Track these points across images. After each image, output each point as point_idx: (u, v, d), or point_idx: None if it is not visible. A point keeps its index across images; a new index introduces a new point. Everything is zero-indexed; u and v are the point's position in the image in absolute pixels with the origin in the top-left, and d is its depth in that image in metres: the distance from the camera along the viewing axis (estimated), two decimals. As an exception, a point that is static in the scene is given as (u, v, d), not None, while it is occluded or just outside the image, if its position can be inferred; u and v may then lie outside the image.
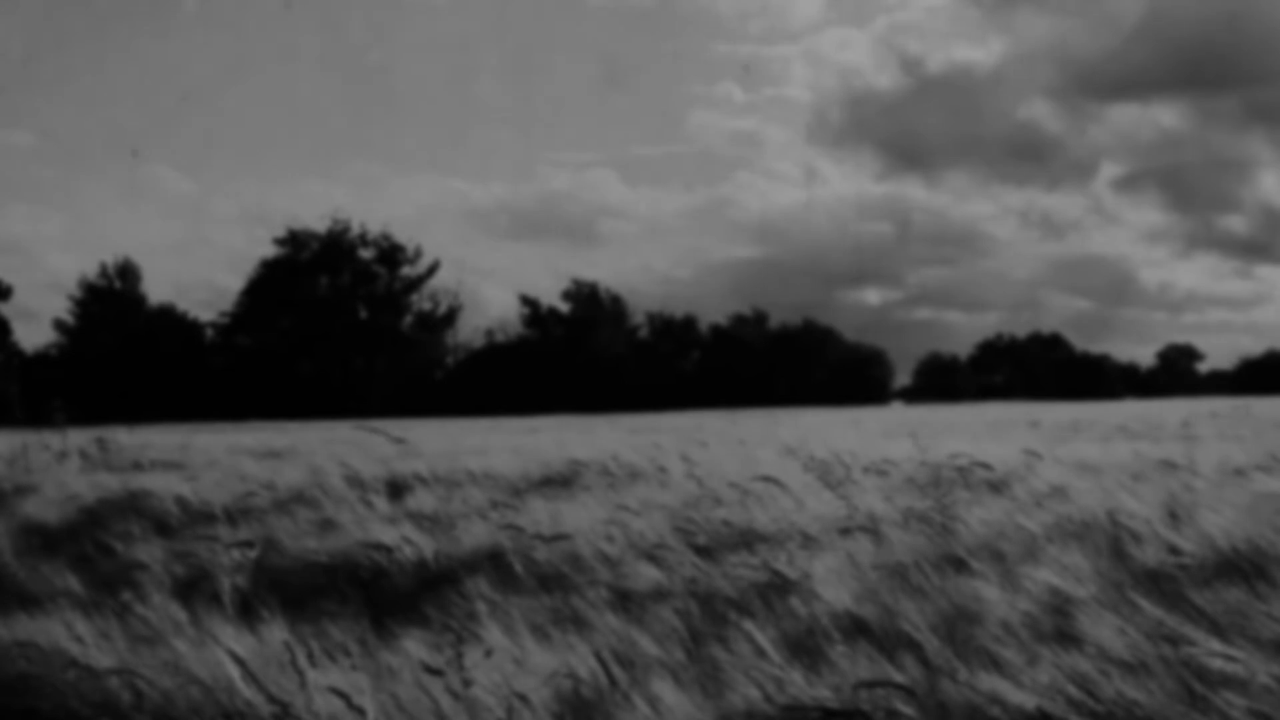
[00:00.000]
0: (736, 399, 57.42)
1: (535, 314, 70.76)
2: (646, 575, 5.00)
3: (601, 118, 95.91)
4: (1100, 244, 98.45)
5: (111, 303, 63.96)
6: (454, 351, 69.82)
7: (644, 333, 72.82)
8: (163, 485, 8.50)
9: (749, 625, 3.90)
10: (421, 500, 7.50)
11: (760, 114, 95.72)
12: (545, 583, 5.12)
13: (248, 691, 3.46)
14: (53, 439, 12.75)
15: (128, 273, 64.90)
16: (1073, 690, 3.07)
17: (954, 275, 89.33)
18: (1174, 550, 4.64)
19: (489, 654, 3.43)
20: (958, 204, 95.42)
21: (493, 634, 3.77)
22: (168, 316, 64.79)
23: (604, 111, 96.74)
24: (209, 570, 5.68)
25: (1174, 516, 5.13)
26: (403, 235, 68.28)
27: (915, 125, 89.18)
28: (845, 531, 5.56)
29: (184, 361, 62.05)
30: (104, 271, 64.60)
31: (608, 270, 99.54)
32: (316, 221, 67.38)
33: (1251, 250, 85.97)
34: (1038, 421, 21.72)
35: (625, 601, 4.61)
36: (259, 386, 60.34)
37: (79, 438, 13.90)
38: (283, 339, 65.34)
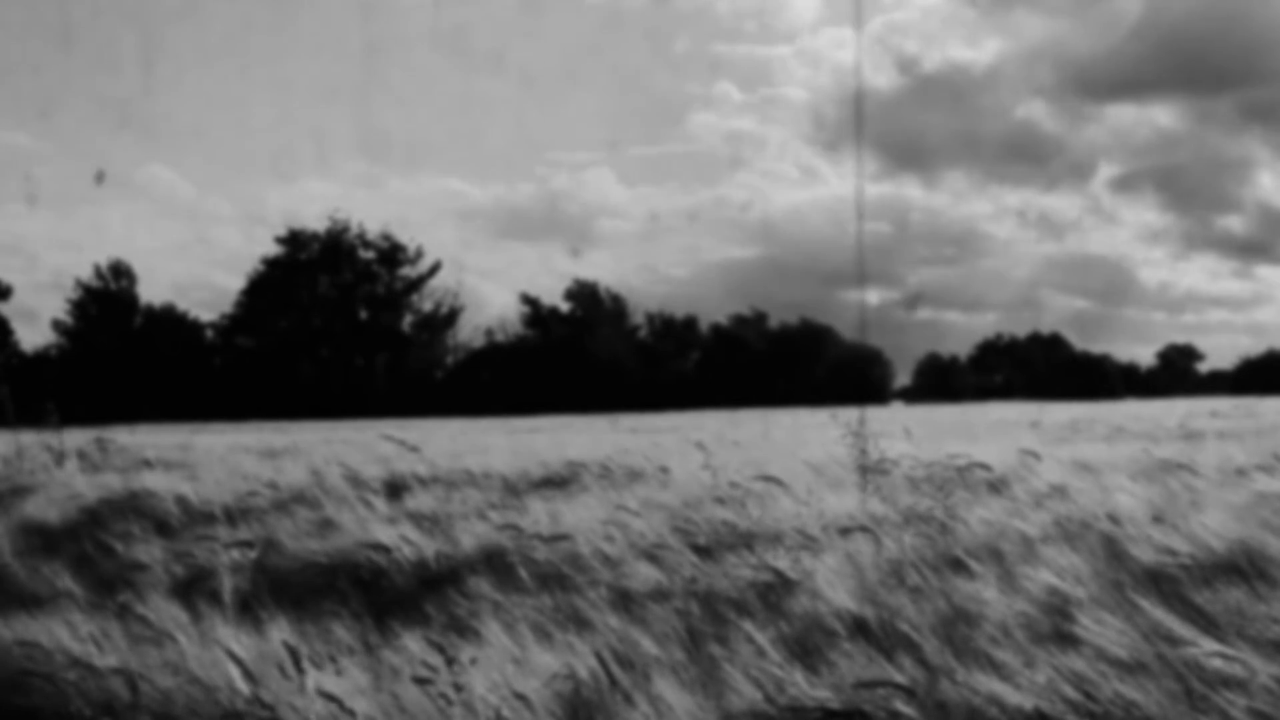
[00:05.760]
0: (736, 399, 57.39)
1: (536, 314, 70.77)
2: (646, 575, 5.00)
3: (599, 118, 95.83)
4: (1099, 244, 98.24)
5: (108, 304, 63.97)
6: (454, 351, 69.83)
7: (644, 333, 72.81)
8: (163, 485, 8.50)
9: (749, 625, 3.90)
10: (421, 500, 7.50)
11: (758, 114, 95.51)
12: (545, 583, 5.12)
13: (248, 691, 3.47)
14: (50, 439, 12.74)
15: (122, 273, 64.91)
16: (1071, 691, 3.08)
17: (953, 275, 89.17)
18: (1173, 551, 4.64)
19: (474, 662, 3.43)
20: (956, 204, 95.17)
21: (494, 633, 3.78)
22: (168, 316, 64.77)
23: (602, 111, 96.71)
24: (209, 570, 5.68)
25: (1174, 516, 5.13)
26: (403, 235, 68.27)
27: (912, 125, 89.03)
28: (845, 531, 5.56)
29: (184, 362, 62.04)
30: (99, 273, 64.63)
31: (607, 270, 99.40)
32: (316, 221, 67.42)
33: (1250, 250, 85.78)
34: (1038, 421, 21.72)
35: (625, 601, 4.61)
36: (259, 387, 60.31)
37: (78, 438, 13.90)
38: (283, 339, 65.36)
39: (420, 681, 3.35)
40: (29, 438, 12.98)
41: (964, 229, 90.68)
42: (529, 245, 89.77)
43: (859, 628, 4.06)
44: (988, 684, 3.18)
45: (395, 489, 8.34)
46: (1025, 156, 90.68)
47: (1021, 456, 8.03)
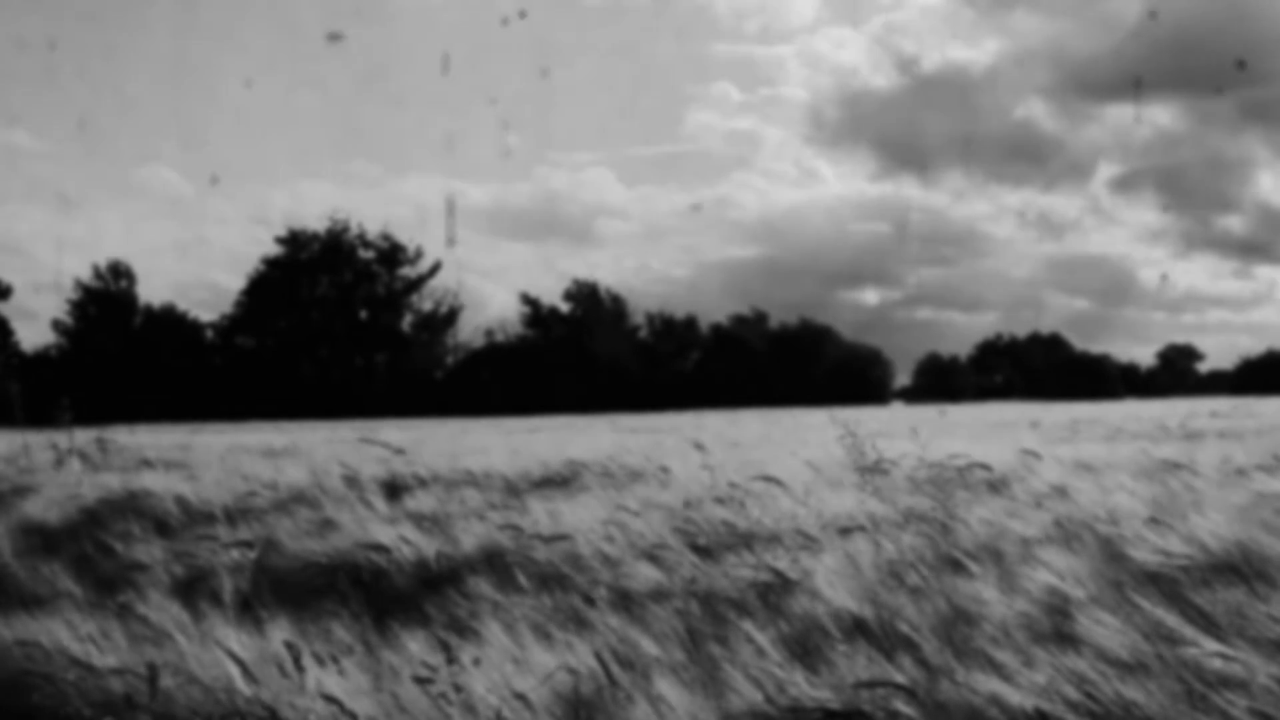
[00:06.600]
0: (736, 399, 57.42)
1: (536, 314, 70.80)
2: (646, 575, 5.00)
3: (599, 118, 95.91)
4: (1099, 244, 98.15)
5: (107, 304, 64.00)
6: (454, 351, 69.85)
7: (644, 333, 72.83)
8: (163, 485, 8.49)
9: (749, 625, 3.90)
10: (421, 500, 7.50)
11: (757, 114, 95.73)
12: (545, 583, 5.12)
13: (248, 691, 3.47)
14: (59, 438, 12.78)
15: (121, 273, 64.95)
16: (1071, 691, 3.08)
17: (952, 275, 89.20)
18: (1173, 551, 4.64)
19: (477, 662, 3.43)
20: (955, 204, 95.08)
21: (494, 633, 3.78)
22: (168, 316, 64.80)
23: (601, 111, 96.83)
24: (209, 570, 5.68)
25: (1174, 517, 5.13)
26: (403, 235, 68.32)
27: (911, 125, 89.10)
28: (845, 531, 5.56)
29: (184, 362, 62.05)
30: (98, 273, 64.67)
31: (607, 270, 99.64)
32: (316, 221, 67.47)
33: (1250, 250, 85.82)
34: (1038, 421, 21.75)
35: (625, 601, 4.61)
36: (259, 387, 60.33)
37: (79, 438, 13.91)
38: (283, 339, 65.40)
39: (420, 681, 3.35)
40: (35, 437, 13.01)
41: (964, 229, 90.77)
42: (529, 245, 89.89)
43: (859, 628, 4.06)
44: (988, 684, 3.18)
45: (395, 489, 8.34)
46: (1025, 156, 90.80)
47: (1022, 456, 8.03)
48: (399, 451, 8.87)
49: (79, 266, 65.44)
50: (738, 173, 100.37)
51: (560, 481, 8.82)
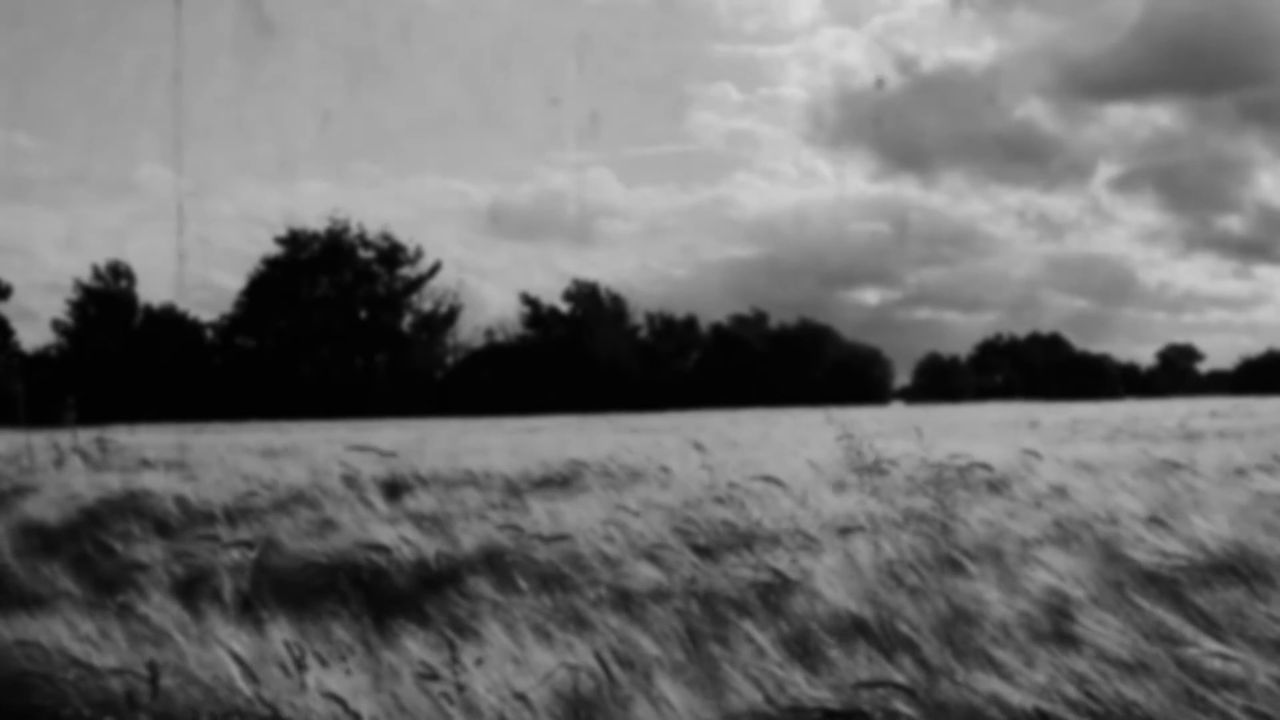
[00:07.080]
0: (736, 399, 57.41)
1: (536, 314, 70.81)
2: (646, 575, 5.00)
3: (599, 118, 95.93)
4: (1098, 244, 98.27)
5: (107, 304, 64.03)
6: (454, 351, 69.86)
7: (644, 333, 72.85)
8: (163, 485, 8.49)
9: (749, 625, 3.90)
10: (421, 500, 7.50)
11: (757, 114, 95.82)
12: (545, 583, 5.12)
13: (249, 691, 3.47)
14: (60, 438, 12.80)
15: (121, 273, 64.97)
16: (1071, 691, 3.08)
17: (952, 275, 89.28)
18: (1172, 551, 4.64)
19: (480, 662, 3.43)
20: (955, 204, 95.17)
21: (494, 634, 3.78)
22: (168, 316, 64.79)
23: (601, 111, 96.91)
24: (209, 570, 5.68)
25: (1173, 517, 5.13)
26: (403, 235, 68.38)
27: (911, 125, 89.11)
28: (845, 531, 5.56)
29: (184, 362, 62.05)
30: (98, 273, 64.68)
31: (607, 270, 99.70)
32: (316, 221, 67.52)
33: (1250, 250, 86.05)
34: (1038, 421, 21.76)
35: (625, 601, 4.61)
36: (259, 387, 60.32)
37: (81, 437, 13.92)
38: (283, 339, 65.42)
39: (424, 678, 3.35)
40: (36, 437, 13.03)
41: (963, 229, 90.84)
42: (529, 245, 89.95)
43: (859, 628, 4.06)
44: (988, 684, 3.18)
45: (395, 489, 8.33)
46: (1024, 156, 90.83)
47: (1022, 456, 8.03)
48: (388, 455, 8.87)
49: (79, 266, 65.53)
50: (738, 172, 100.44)
51: (560, 481, 8.81)
